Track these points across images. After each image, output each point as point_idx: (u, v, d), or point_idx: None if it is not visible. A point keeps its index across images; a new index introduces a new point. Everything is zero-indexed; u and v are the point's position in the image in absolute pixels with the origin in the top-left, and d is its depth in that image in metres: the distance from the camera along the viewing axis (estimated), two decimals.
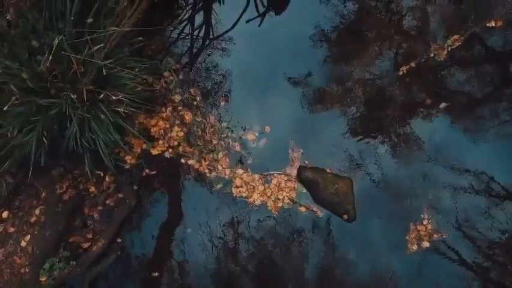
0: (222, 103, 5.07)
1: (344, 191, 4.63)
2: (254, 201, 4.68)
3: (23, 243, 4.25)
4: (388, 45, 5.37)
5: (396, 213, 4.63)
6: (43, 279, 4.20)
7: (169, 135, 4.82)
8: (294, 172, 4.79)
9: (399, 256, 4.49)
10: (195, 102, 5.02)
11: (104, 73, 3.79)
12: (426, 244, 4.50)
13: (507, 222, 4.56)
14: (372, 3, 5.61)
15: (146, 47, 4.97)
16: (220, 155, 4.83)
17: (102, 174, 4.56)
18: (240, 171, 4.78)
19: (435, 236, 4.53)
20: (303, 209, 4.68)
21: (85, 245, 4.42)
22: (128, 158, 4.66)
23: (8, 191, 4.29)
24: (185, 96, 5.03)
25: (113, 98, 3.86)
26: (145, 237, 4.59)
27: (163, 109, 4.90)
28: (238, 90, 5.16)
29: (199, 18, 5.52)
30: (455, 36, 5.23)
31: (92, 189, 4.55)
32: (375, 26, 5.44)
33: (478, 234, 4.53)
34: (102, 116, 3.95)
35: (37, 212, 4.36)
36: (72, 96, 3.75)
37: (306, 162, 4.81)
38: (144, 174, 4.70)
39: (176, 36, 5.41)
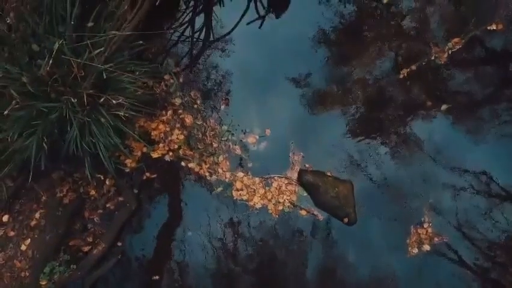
0: (223, 106, 5.07)
1: (345, 195, 4.62)
2: (255, 204, 4.67)
3: (23, 247, 4.25)
4: (388, 46, 5.37)
5: (396, 214, 4.63)
6: (43, 283, 4.20)
7: (170, 138, 4.82)
8: (295, 175, 4.78)
9: (400, 257, 4.48)
10: (195, 105, 5.02)
11: (105, 77, 3.79)
12: (427, 247, 4.49)
13: (507, 222, 4.56)
14: (372, 4, 5.61)
15: (147, 50, 4.96)
16: (221, 158, 4.82)
17: (102, 178, 4.55)
18: (240, 174, 4.77)
19: (436, 239, 4.52)
20: (303, 212, 4.67)
21: (85, 249, 4.42)
22: (128, 161, 4.66)
23: (8, 194, 4.29)
24: (185, 99, 5.02)
25: (114, 101, 3.85)
26: (145, 240, 4.59)
27: (164, 112, 4.89)
28: (239, 91, 5.16)
29: (199, 20, 5.51)
30: (456, 39, 5.22)
31: (93, 192, 4.55)
32: (375, 28, 5.44)
33: (478, 235, 4.53)
34: (102, 120, 3.95)
35: (37, 215, 4.36)
36: (72, 100, 3.75)
37: (307, 165, 4.81)
38: (144, 177, 4.70)
39: (176, 39, 5.40)
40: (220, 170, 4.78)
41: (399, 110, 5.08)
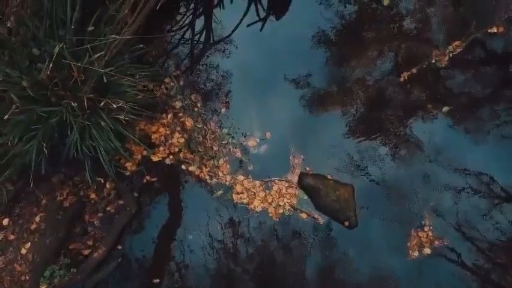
0: (223, 109, 5.06)
1: (345, 198, 4.62)
2: (255, 207, 4.67)
3: (24, 251, 4.24)
4: (388, 48, 5.36)
5: (396, 215, 4.63)
6: (44, 286, 4.19)
7: (170, 141, 4.81)
8: (295, 178, 4.78)
9: (400, 257, 4.49)
10: (195, 108, 5.01)
11: (105, 81, 3.79)
12: (427, 251, 4.49)
13: (507, 223, 4.56)
14: (372, 6, 5.60)
15: (147, 53, 4.96)
16: (221, 161, 4.82)
17: (102, 181, 4.55)
18: (240, 177, 4.77)
19: (436, 242, 4.53)
20: (304, 215, 4.67)
21: (86, 252, 4.42)
22: (128, 164, 4.65)
23: (9, 198, 4.29)
24: (186, 102, 5.02)
25: (114, 105, 3.85)
26: (146, 242, 4.59)
27: (164, 115, 4.88)
28: (239, 93, 5.15)
29: (199, 23, 5.50)
30: (457, 42, 5.21)
31: (93, 196, 4.54)
32: (375, 29, 5.43)
33: (478, 235, 4.54)
34: (103, 124, 3.95)
35: (37, 219, 4.35)
36: (73, 104, 3.74)
37: (307, 168, 4.80)
38: (145, 181, 4.69)
39: (176, 42, 5.39)
40: (220, 173, 4.78)
41: (399, 111, 5.09)
